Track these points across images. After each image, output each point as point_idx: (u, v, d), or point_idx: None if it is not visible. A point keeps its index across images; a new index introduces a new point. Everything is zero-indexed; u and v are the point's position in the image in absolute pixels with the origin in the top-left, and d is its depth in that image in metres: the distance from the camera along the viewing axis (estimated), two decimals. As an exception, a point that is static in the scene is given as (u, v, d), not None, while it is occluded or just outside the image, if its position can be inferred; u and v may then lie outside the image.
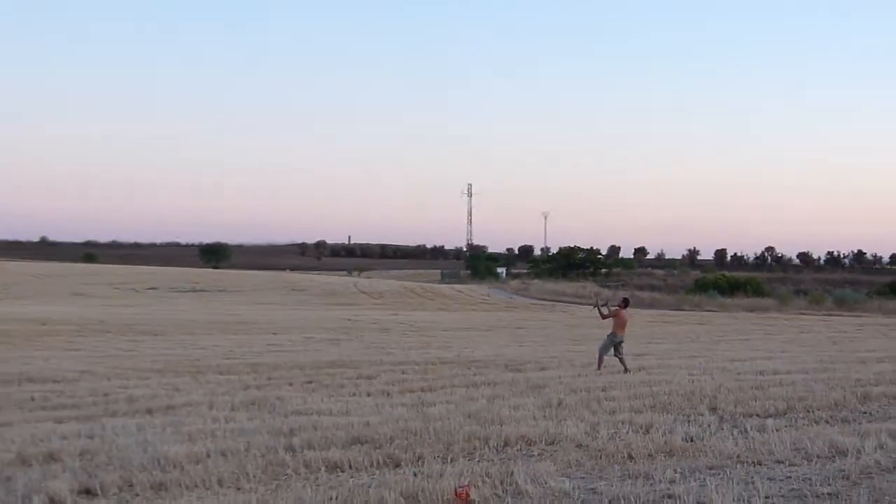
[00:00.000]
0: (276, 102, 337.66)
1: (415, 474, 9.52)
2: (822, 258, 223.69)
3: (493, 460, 10.42)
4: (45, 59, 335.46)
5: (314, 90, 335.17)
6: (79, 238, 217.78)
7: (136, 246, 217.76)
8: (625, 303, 25.74)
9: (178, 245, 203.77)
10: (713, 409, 14.90)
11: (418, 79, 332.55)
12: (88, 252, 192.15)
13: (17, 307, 52.70)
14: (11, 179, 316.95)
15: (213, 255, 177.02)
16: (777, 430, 12.60)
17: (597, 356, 24.17)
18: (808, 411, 14.78)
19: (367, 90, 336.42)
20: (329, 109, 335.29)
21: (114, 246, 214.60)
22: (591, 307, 27.89)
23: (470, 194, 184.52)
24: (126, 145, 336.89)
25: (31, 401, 16.42)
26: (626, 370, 22.93)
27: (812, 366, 24.61)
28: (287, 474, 9.81)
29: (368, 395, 17.59)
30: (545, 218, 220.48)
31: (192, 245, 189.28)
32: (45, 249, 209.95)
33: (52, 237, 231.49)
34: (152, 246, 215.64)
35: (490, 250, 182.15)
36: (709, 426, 13.16)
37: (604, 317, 24.72)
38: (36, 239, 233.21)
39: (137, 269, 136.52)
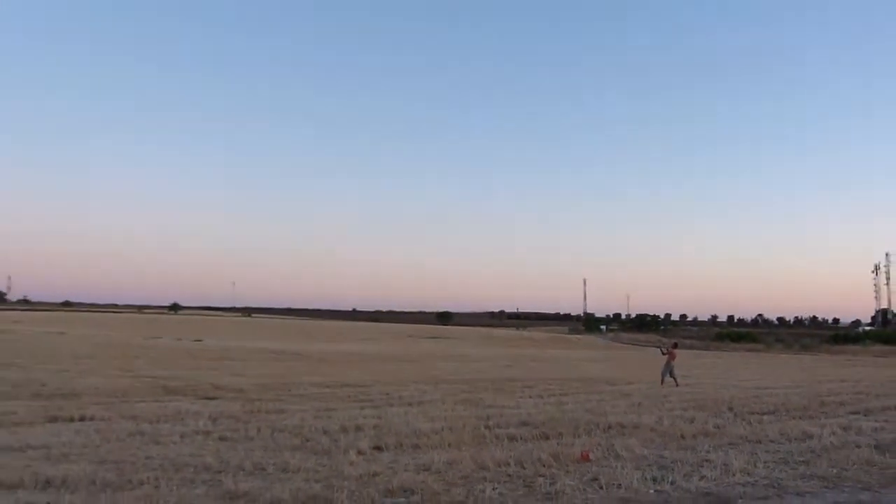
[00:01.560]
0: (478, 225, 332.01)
1: (557, 443, 9.38)
2: (792, 320, 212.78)
3: (601, 436, 10.17)
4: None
5: (508, 211, 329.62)
6: (372, 307, 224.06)
7: (402, 312, 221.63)
8: (675, 345, 25.30)
9: (423, 312, 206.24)
10: (730, 409, 14.21)
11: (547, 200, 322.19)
12: (375, 316, 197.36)
13: (334, 346, 54.21)
14: (334, 272, 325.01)
15: (444, 317, 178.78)
16: (769, 423, 11.98)
17: (660, 377, 23.38)
18: (788, 411, 13.96)
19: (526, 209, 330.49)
20: (498, 227, 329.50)
21: (389, 312, 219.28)
22: (657, 348, 26.99)
23: (584, 284, 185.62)
24: (400, 258, 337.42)
25: (347, 397, 16.72)
26: (676, 385, 22.04)
27: (788, 384, 23.25)
28: (486, 441, 9.77)
29: (530, 397, 17.34)
30: (628, 297, 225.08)
31: (432, 312, 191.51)
32: (354, 314, 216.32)
33: (359, 307, 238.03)
34: (410, 312, 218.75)
35: (596, 315, 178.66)
36: (728, 419, 12.56)
37: (664, 354, 24.08)
38: (349, 308, 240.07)
39: (402, 326, 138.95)
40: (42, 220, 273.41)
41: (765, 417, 12.88)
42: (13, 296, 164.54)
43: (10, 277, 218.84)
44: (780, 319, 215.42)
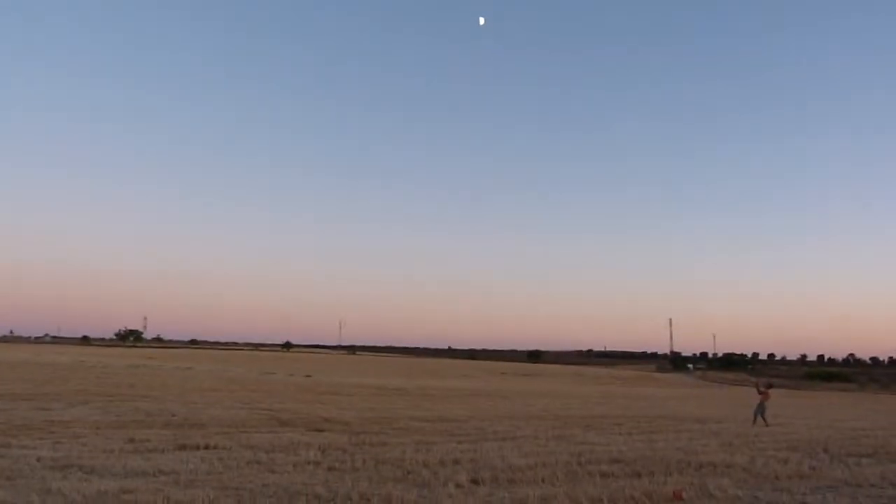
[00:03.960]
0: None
1: (649, 482, 8.98)
2: (886, 360, 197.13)
3: (693, 475, 9.68)
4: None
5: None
6: (466, 346, 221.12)
7: (495, 351, 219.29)
8: (770, 385, 24.10)
9: (514, 350, 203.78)
10: (825, 450, 13.29)
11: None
12: (472, 353, 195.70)
13: (432, 382, 54.19)
14: (431, 313, 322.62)
15: (534, 356, 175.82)
16: (869, 466, 11.13)
17: (752, 416, 22.17)
18: (888, 454, 12.95)
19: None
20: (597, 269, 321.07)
21: (485, 350, 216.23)
22: (754, 387, 25.39)
23: (670, 325, 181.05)
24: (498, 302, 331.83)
25: (445, 431, 16.55)
26: (766, 425, 20.83)
27: (885, 425, 21.61)
28: (578, 478, 9.46)
29: (620, 434, 16.74)
30: (714, 337, 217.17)
31: (524, 350, 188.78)
32: (450, 352, 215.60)
33: (454, 346, 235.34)
34: (503, 350, 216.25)
35: (682, 353, 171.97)
36: (824, 461, 11.73)
37: (760, 393, 22.84)
38: (445, 346, 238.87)
39: (495, 363, 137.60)
40: (172, 266, 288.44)
41: (863, 460, 11.96)
42: (148, 334, 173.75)
43: (145, 318, 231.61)
44: (874, 359, 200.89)
